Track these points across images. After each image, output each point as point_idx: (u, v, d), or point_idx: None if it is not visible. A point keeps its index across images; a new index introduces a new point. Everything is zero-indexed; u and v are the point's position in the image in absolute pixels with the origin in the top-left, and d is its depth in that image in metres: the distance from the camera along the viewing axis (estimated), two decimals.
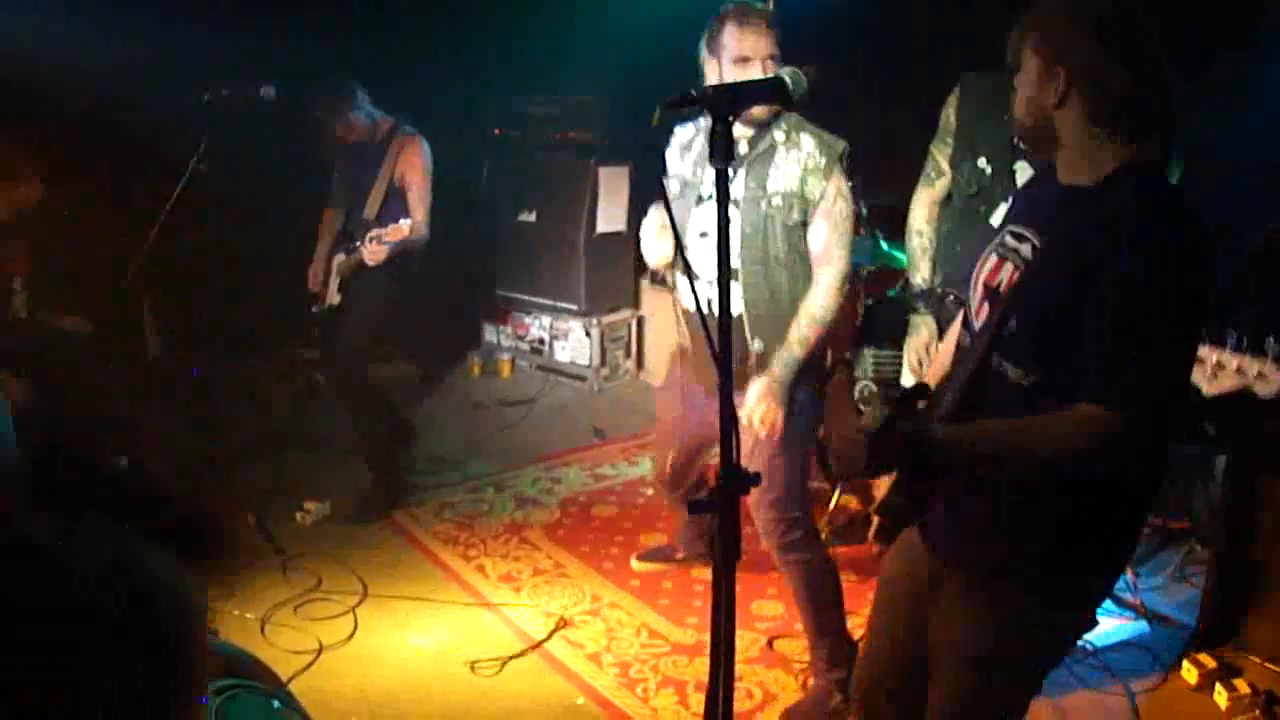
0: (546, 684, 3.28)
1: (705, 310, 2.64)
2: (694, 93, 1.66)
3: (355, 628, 3.54)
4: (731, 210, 2.66)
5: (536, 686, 3.26)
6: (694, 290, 1.76)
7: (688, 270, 2.30)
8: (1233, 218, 3.92)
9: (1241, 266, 3.58)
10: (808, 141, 2.88)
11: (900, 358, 3.89)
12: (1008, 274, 1.86)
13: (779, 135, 2.89)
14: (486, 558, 4.06)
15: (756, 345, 2.91)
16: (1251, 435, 3.27)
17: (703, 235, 2.92)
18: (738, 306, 2.87)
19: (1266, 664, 3.22)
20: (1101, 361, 1.67)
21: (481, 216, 6.40)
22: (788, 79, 1.70)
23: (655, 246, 3.01)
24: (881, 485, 2.07)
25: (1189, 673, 3.20)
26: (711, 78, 2.85)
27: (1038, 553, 1.86)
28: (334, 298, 4.47)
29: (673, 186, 3.05)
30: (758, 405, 2.86)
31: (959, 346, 2.05)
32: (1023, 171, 3.05)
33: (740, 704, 3.11)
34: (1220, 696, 3.08)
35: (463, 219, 6.13)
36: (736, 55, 2.77)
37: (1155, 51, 1.71)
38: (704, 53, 2.88)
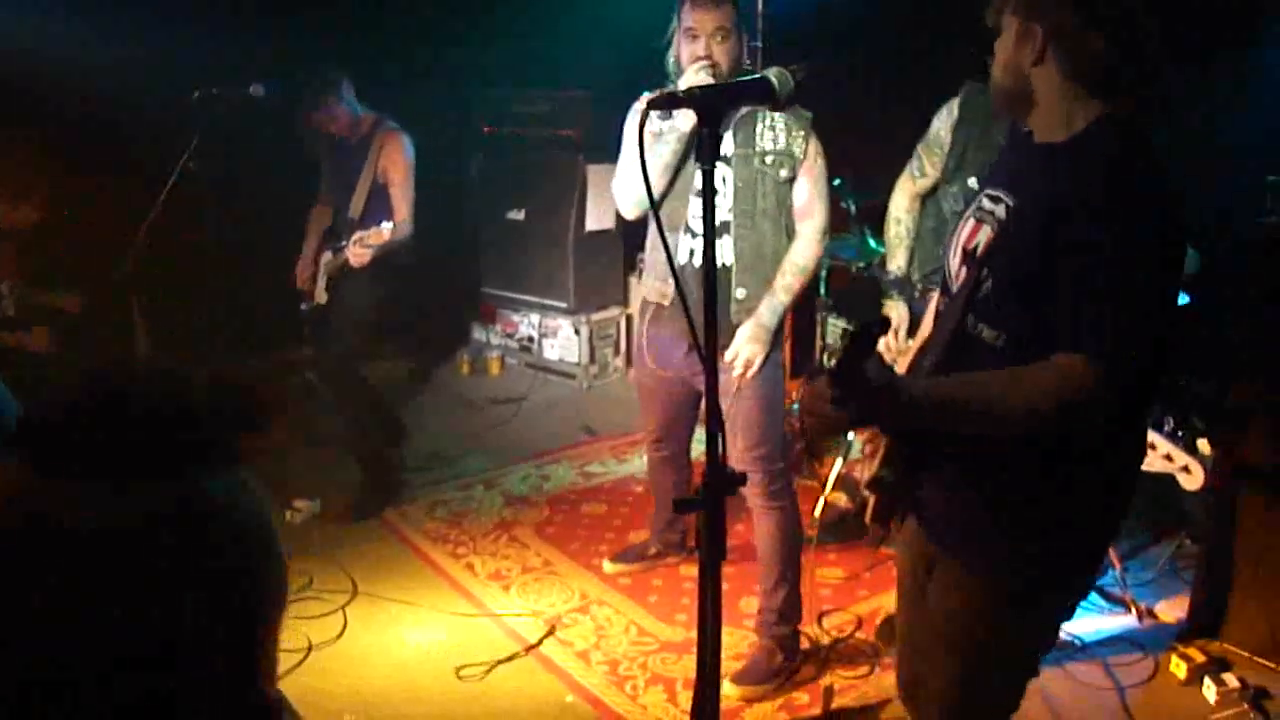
0: (536, 682, 3.28)
1: (690, 263, 3.03)
2: (681, 94, 1.67)
3: (345, 626, 3.54)
4: (723, 167, 2.96)
5: (527, 684, 3.27)
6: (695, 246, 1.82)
7: (658, 221, 2.47)
8: (1233, 216, 3.95)
9: (1243, 265, 3.60)
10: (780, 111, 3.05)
11: None
12: (985, 236, 1.87)
13: None
14: (476, 556, 4.06)
15: (739, 293, 3.08)
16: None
17: (697, 194, 3.05)
18: (727, 257, 3.05)
19: (1255, 658, 3.24)
20: (1076, 313, 1.67)
21: (470, 214, 6.39)
22: (774, 79, 1.71)
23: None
24: (871, 464, 2.07)
25: (1178, 667, 3.22)
26: (675, 48, 3.03)
27: (1027, 538, 1.87)
28: (321, 296, 4.44)
29: (669, 140, 3.03)
30: (744, 346, 3.05)
31: (937, 312, 2.06)
32: None
33: (727, 701, 3.11)
34: (1209, 690, 3.10)
35: (452, 217, 6.12)
36: (685, 28, 2.95)
37: (1130, 7, 1.72)
38: (675, 21, 3.03)
